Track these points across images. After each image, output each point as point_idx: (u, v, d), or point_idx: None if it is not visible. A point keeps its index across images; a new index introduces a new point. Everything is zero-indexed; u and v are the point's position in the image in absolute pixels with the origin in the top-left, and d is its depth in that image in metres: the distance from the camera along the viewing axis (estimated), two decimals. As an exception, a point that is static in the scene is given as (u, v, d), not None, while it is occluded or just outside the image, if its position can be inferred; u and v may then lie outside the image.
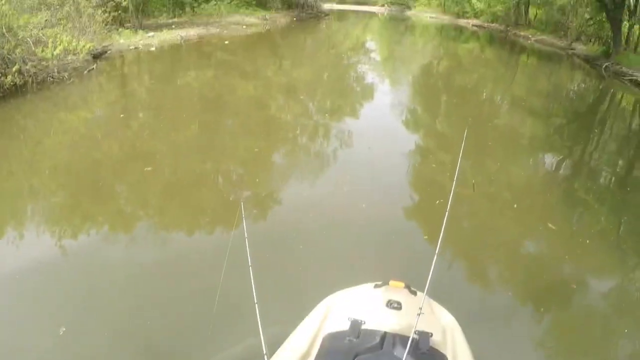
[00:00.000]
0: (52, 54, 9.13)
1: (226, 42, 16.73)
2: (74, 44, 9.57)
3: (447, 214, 2.34)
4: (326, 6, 35.91)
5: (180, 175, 5.54)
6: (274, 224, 4.34)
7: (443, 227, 2.25)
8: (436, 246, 2.08)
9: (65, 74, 9.36)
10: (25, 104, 7.97)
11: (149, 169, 5.49)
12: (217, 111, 8.63)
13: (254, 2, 24.54)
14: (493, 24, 32.32)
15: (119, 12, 15.12)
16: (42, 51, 9.00)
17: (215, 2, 22.33)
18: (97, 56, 12.51)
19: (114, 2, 14.65)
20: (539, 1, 26.91)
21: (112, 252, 3.78)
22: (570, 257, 4.19)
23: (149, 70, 12.72)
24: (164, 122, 7.61)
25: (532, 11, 28.97)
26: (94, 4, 12.54)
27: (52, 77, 9.01)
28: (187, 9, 21.37)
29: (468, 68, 16.98)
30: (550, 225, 4.65)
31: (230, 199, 4.80)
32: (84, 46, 9.91)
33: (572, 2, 22.83)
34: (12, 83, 7.89)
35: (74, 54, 9.88)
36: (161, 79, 11.49)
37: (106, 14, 12.98)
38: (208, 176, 5.69)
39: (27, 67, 8.34)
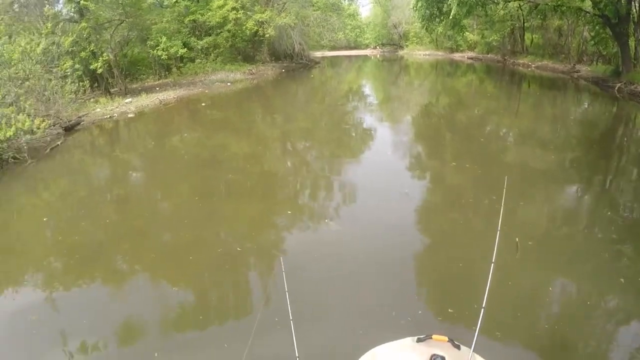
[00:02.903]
0: (4, 136, 8.06)
1: (203, 103, 15.73)
2: (27, 123, 8.45)
3: (493, 267, 2.42)
4: (317, 54, 35.72)
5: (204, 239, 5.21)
6: (311, 277, 4.14)
7: (489, 281, 2.34)
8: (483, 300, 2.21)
9: (25, 155, 8.38)
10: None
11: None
12: (212, 178, 7.49)
13: (239, 58, 24.00)
14: (489, 55, 31.59)
15: (88, 80, 14.38)
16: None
17: (200, 60, 21.83)
18: (69, 128, 11.52)
19: (79, 72, 13.94)
20: (533, 25, 26.03)
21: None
22: None
23: (126, 139, 11.65)
24: (156, 193, 7.10)
25: (527, 37, 28.11)
26: (60, 75, 11.61)
27: (7, 161, 8.11)
28: (174, 69, 20.87)
29: (468, 103, 15.79)
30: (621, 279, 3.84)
31: (269, 255, 4.68)
32: (39, 125, 8.79)
33: (569, 22, 21.91)
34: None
35: (32, 133, 8.77)
36: (146, 147, 10.52)
37: (74, 84, 12.04)
38: (246, 235, 5.21)
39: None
